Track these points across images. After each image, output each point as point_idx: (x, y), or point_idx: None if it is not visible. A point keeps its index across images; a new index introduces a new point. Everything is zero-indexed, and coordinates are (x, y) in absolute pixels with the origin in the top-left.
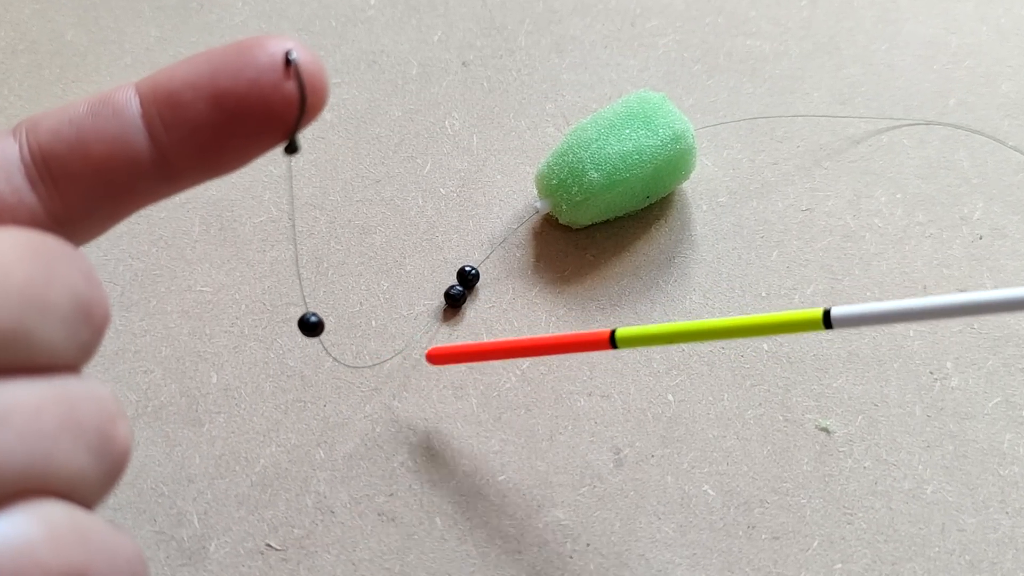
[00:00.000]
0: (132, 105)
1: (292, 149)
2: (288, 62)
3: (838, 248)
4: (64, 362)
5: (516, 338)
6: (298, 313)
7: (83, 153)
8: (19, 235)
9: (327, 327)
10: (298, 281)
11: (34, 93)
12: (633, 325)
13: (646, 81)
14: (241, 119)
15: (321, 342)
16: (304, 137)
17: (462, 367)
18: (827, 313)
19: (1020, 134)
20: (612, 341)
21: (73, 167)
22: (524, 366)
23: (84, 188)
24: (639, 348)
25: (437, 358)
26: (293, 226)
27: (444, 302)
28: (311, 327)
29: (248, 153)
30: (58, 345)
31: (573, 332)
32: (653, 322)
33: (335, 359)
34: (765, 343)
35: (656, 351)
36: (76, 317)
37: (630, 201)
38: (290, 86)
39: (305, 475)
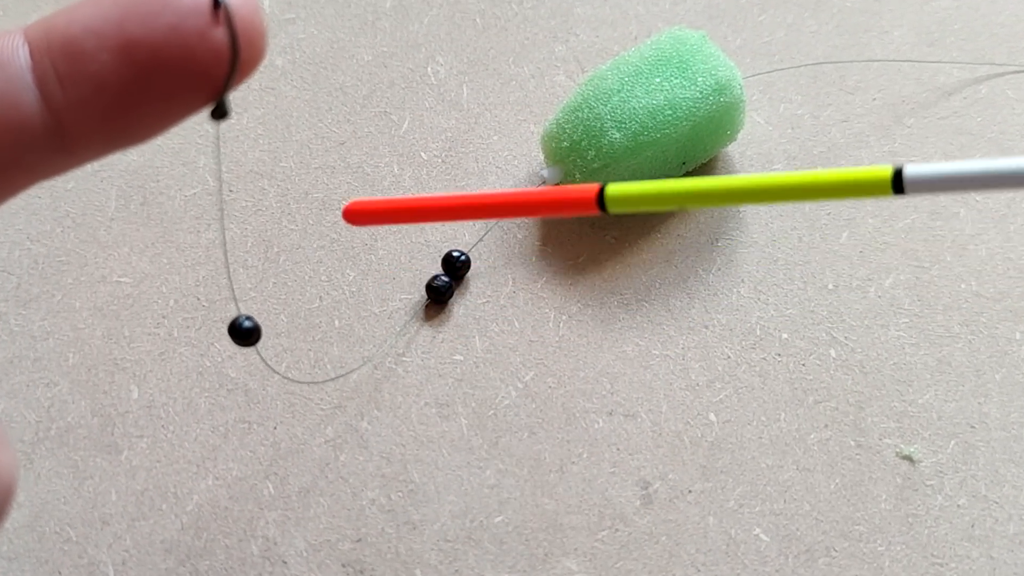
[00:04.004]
0: (20, 56)
1: (221, 113)
2: (216, 4)
3: (924, 228)
4: None
5: (462, 193)
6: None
7: None
8: None
9: (277, 329)
10: (227, 272)
11: None
12: (666, 323)
13: (682, 17)
14: (156, 75)
15: (259, 352)
16: (247, 89)
17: (448, 380)
18: (898, 173)
19: None
20: (600, 201)
21: None
22: (527, 378)
23: None
24: (671, 358)
25: (356, 215)
26: (220, 202)
27: (426, 296)
28: (244, 334)
29: (165, 118)
30: None
31: (550, 189)
32: (691, 320)
33: (282, 375)
34: (833, 349)
35: (694, 359)
36: None
37: (661, 168)
38: (219, 34)
39: (250, 515)
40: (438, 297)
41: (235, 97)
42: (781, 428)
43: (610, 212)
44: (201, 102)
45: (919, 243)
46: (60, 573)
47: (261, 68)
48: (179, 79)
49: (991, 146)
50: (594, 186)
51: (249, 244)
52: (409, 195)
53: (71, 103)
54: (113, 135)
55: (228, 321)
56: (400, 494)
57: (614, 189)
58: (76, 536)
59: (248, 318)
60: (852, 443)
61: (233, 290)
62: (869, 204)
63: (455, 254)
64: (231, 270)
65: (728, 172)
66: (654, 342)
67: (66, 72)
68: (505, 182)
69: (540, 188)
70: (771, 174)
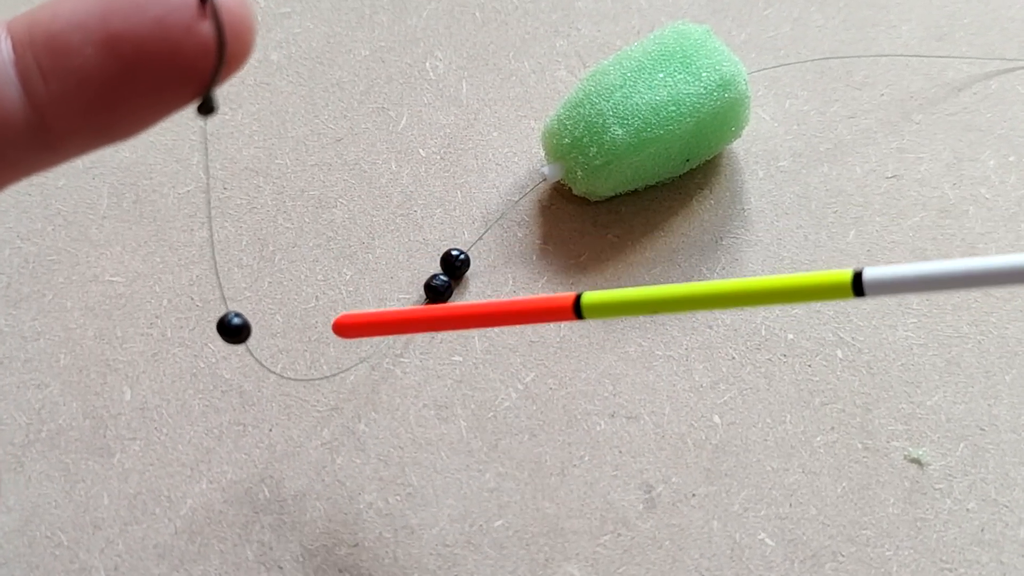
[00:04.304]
0: (2, 50)
1: (208, 109)
2: None
3: (933, 226)
4: None
5: (447, 304)
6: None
7: None
8: None
9: (272, 329)
10: (214, 269)
11: None
12: (669, 323)
13: (686, 11)
14: (141, 70)
15: (249, 349)
16: (241, 85)
17: (447, 381)
18: (858, 276)
19: None
20: (577, 309)
21: None
22: (528, 379)
23: None
24: (674, 359)
25: (345, 328)
26: (208, 201)
27: (424, 296)
28: (233, 331)
29: (150, 113)
30: None
31: (531, 297)
32: (695, 320)
33: (279, 374)
34: (839, 349)
35: (698, 360)
36: None
37: (665, 165)
38: (205, 28)
39: (245, 520)
40: (437, 297)
41: (229, 93)
42: (787, 430)
43: (586, 318)
44: (187, 97)
45: (927, 242)
46: None
47: (256, 63)
48: (164, 74)
49: (1001, 143)
50: (570, 296)
51: (244, 243)
52: (394, 308)
53: (54, 98)
54: (97, 130)
55: None
56: (398, 498)
57: (589, 298)
58: (67, 541)
59: (237, 315)
60: (859, 446)
61: (221, 288)
62: (876, 201)
63: (454, 253)
64: (225, 269)
65: (732, 171)
66: (657, 343)
67: (49, 66)
68: (505, 179)
69: (519, 299)
70: (738, 280)
